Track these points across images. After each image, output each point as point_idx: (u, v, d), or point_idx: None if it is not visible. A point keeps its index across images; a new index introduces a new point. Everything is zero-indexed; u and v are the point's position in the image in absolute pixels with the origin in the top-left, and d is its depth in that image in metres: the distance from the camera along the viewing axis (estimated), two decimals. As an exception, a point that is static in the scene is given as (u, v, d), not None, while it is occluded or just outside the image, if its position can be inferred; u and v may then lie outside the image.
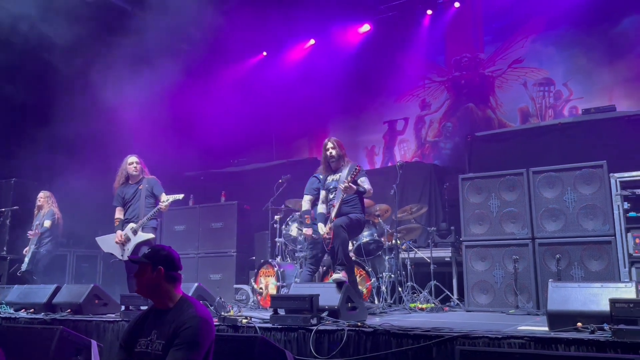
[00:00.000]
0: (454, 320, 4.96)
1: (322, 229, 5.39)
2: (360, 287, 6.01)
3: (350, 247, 6.15)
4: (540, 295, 5.51)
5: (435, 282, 6.47)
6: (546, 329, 3.75)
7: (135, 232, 6.05)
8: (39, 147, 8.45)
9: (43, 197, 7.78)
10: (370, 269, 6.21)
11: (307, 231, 5.67)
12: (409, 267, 6.53)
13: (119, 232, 6.10)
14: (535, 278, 5.64)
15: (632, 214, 5.36)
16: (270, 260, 6.83)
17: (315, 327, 4.07)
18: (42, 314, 5.67)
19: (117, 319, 5.14)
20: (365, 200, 6.15)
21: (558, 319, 3.71)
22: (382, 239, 6.60)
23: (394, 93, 10.62)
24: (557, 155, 6.63)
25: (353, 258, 6.17)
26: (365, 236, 6.54)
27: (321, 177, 5.69)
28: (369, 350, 3.86)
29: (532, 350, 3.26)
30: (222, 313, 4.82)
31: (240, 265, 8.17)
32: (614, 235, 5.37)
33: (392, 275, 6.31)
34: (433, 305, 6.05)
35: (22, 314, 5.78)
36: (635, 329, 3.19)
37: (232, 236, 8.26)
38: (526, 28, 9.29)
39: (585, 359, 2.88)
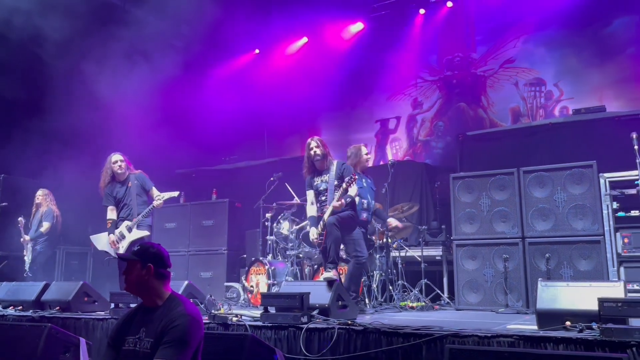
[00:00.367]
0: (444, 318, 4.98)
1: (314, 233, 5.38)
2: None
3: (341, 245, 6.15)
4: (529, 294, 5.55)
5: (425, 280, 6.48)
6: (535, 327, 3.77)
7: (130, 229, 6.03)
8: (28, 143, 8.38)
9: (41, 196, 7.76)
10: (361, 268, 6.21)
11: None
12: (399, 266, 6.55)
13: (111, 235, 6.05)
14: (525, 277, 5.68)
15: (620, 213, 5.41)
16: (261, 258, 6.82)
17: (305, 325, 4.07)
18: (31, 311, 5.63)
19: (107, 317, 5.11)
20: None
21: (547, 318, 3.73)
22: (373, 238, 6.60)
23: (386, 92, 10.63)
24: (548, 155, 6.67)
25: (344, 257, 6.17)
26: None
27: (315, 180, 5.63)
28: (359, 348, 3.86)
29: (521, 349, 3.28)
30: (212, 311, 4.80)
31: (231, 263, 8.14)
32: (603, 234, 5.42)
33: (383, 274, 6.31)
34: (423, 303, 6.07)
35: (10, 311, 5.74)
36: (623, 328, 3.22)
37: (223, 234, 8.22)
38: (518, 28, 9.32)
39: (574, 357, 2.90)
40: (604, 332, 3.24)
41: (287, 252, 6.79)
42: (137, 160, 6.57)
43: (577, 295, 3.76)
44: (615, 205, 5.44)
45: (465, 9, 9.93)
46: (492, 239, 5.94)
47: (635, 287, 5.09)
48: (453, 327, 3.86)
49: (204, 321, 3.71)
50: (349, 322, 4.09)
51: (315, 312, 4.33)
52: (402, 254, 6.80)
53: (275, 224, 7.03)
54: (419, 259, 6.65)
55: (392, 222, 6.30)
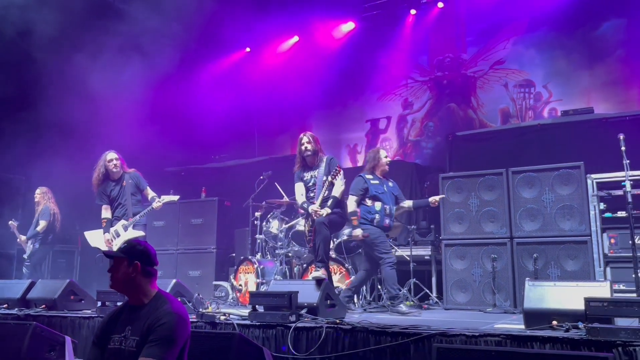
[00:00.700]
0: (432, 318, 4.99)
1: (313, 207, 5.33)
2: (340, 284, 6.02)
3: (331, 244, 6.15)
4: (517, 294, 5.58)
5: (414, 280, 6.50)
6: (522, 327, 3.79)
7: (126, 228, 6.00)
8: (15, 138, 8.28)
9: (39, 194, 7.81)
10: (350, 267, 6.21)
11: (356, 232, 5.47)
12: (388, 265, 6.54)
13: (106, 234, 6.01)
14: (512, 277, 5.71)
15: (607, 214, 5.45)
16: (250, 257, 6.79)
17: (293, 324, 4.07)
18: (16, 309, 5.58)
19: (93, 315, 5.07)
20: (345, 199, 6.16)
21: (534, 317, 3.76)
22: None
23: (377, 92, 10.64)
24: (536, 155, 6.71)
25: (333, 256, 6.17)
26: (345, 234, 6.55)
27: (304, 174, 5.64)
28: (347, 347, 3.86)
29: (508, 348, 3.30)
30: (200, 310, 4.78)
31: (220, 262, 8.10)
32: (590, 235, 5.46)
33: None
34: (412, 303, 6.08)
35: (-5, 309, 5.68)
36: (609, 328, 3.24)
37: (212, 232, 8.18)
38: (508, 30, 9.37)
39: (560, 356, 2.91)
40: (590, 331, 3.26)
41: (276, 251, 6.77)
42: (127, 158, 6.54)
43: (564, 295, 3.79)
44: (602, 206, 5.48)
45: (456, 9, 9.96)
46: (480, 239, 5.97)
47: (621, 287, 5.14)
48: (441, 326, 3.87)
49: (191, 320, 3.70)
50: (337, 321, 4.09)
51: (303, 311, 4.32)
52: (391, 253, 6.80)
53: (264, 223, 7.01)
54: (408, 259, 6.66)
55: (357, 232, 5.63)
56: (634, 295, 4.56)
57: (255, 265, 6.50)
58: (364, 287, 6.17)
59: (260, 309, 4.46)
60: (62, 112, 7.93)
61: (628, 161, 4.73)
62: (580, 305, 3.48)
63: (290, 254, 6.71)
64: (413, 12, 10.19)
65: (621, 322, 3.38)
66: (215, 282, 7.58)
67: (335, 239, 6.49)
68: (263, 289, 6.17)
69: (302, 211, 5.90)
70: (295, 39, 11.29)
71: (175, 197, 6.07)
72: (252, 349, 3.44)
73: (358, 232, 5.47)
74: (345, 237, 6.52)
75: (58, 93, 8.15)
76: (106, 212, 6.11)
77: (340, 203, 5.42)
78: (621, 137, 4.83)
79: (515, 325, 4.00)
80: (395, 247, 6.96)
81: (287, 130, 11.51)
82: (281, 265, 6.62)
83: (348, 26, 10.75)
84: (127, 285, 2.70)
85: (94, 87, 7.87)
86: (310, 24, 10.72)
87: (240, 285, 6.61)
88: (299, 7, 10.36)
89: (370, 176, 5.70)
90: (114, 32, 8.04)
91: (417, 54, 10.34)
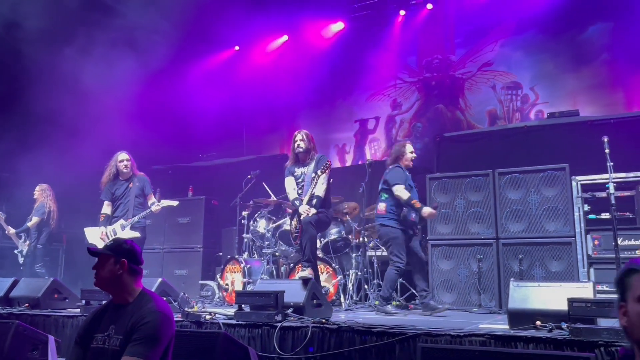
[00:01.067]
0: (418, 318, 5.01)
1: (303, 207, 5.31)
2: (327, 284, 6.02)
3: (318, 244, 6.15)
4: (502, 294, 5.62)
5: (401, 280, 6.51)
6: (507, 327, 3.82)
7: (123, 228, 6.05)
8: (2, 134, 8.18)
9: (38, 191, 7.86)
10: (337, 266, 6.22)
11: (426, 210, 5.24)
12: (375, 265, 6.57)
13: (102, 229, 6.05)
14: (498, 277, 5.76)
15: (591, 216, 5.52)
16: (237, 256, 6.77)
17: (279, 324, 4.06)
18: (-2, 307, 5.51)
19: (77, 314, 5.02)
20: (333, 198, 6.19)
21: (518, 318, 3.79)
22: (350, 237, 6.63)
23: (366, 92, 10.66)
24: (523, 157, 6.75)
25: (320, 255, 6.17)
26: (333, 233, 6.56)
27: (295, 169, 5.64)
28: (332, 346, 3.86)
29: (492, 348, 3.32)
30: (186, 309, 4.76)
31: (206, 261, 8.06)
32: (574, 236, 5.52)
33: (359, 273, 6.34)
34: (398, 303, 6.10)
35: (-23, 308, 5.60)
36: (591, 328, 3.28)
37: (199, 231, 8.14)
38: (496, 32, 9.44)
39: (543, 356, 2.94)
40: (572, 331, 3.30)
41: (263, 251, 6.76)
42: (113, 154, 6.51)
43: (548, 296, 3.82)
44: (586, 207, 5.54)
45: (444, 11, 10.00)
46: (466, 240, 6.01)
47: (605, 288, 5.20)
48: (426, 326, 3.89)
49: (176, 319, 3.67)
50: (323, 320, 4.09)
51: (289, 311, 4.32)
52: (379, 253, 6.82)
53: (251, 222, 6.99)
54: (395, 259, 6.67)
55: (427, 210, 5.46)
56: (617, 296, 4.60)
57: (242, 265, 6.48)
58: (351, 287, 6.18)
59: (247, 308, 4.45)
60: (50, 107, 7.87)
61: (612, 163, 4.79)
62: (563, 306, 3.52)
63: (277, 254, 6.71)
64: (402, 13, 10.22)
65: (604, 322, 3.41)
66: (201, 282, 7.55)
67: (322, 239, 6.50)
68: (250, 288, 6.15)
69: (289, 210, 5.89)
70: (285, 38, 11.28)
71: (175, 202, 6.20)
72: (237, 349, 3.43)
73: (427, 209, 5.28)
74: (332, 237, 6.53)
75: (46, 88, 8.07)
76: (106, 208, 6.22)
77: (325, 202, 5.43)
78: (605, 139, 4.89)
79: (499, 325, 4.03)
80: (383, 247, 6.97)
81: (276, 130, 11.49)
82: (268, 264, 6.61)
83: (337, 26, 10.74)
84: (113, 283, 2.68)
85: (82, 82, 7.80)
86: (300, 23, 10.71)
87: (227, 284, 6.59)
88: (288, 7, 10.34)
89: (402, 168, 5.55)
90: (104, 27, 7.99)
91: (406, 54, 10.37)
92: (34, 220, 7.62)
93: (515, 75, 9.28)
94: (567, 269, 5.49)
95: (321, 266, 6.09)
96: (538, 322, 3.66)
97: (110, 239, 5.90)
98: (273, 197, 6.86)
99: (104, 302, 2.91)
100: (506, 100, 9.34)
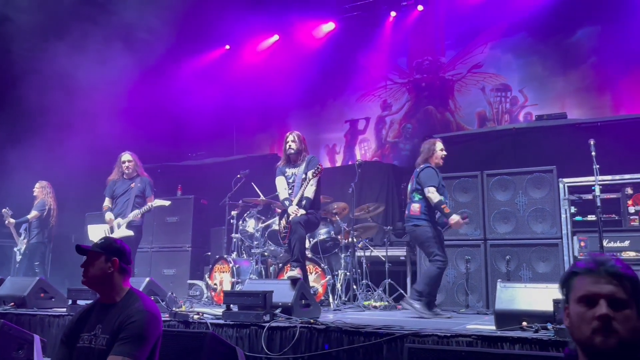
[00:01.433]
0: (406, 318, 5.02)
1: (292, 208, 5.32)
2: (315, 284, 6.02)
3: (307, 244, 6.15)
4: (490, 295, 5.66)
5: (389, 280, 6.54)
6: (493, 327, 3.85)
7: (119, 226, 6.12)
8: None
9: (38, 188, 7.82)
10: (326, 267, 6.22)
11: (454, 218, 5.00)
12: (364, 265, 6.58)
13: (108, 213, 6.23)
14: (485, 278, 5.79)
15: (578, 218, 5.58)
16: (225, 256, 6.75)
17: (267, 324, 4.06)
18: (-17, 307, 5.45)
19: (63, 313, 4.98)
20: (323, 198, 6.19)
21: (505, 318, 3.81)
22: (339, 237, 6.63)
23: (357, 92, 10.68)
24: (511, 159, 6.81)
25: (309, 255, 6.17)
26: (322, 234, 6.56)
27: (286, 170, 5.64)
28: (320, 347, 3.87)
29: (479, 349, 3.34)
30: (174, 308, 4.74)
31: (195, 261, 8.03)
32: (561, 238, 5.58)
33: (348, 273, 6.35)
34: (387, 303, 6.12)
35: (-38, 306, 5.54)
36: (576, 329, 3.30)
37: (188, 231, 8.10)
38: (486, 34, 9.50)
39: (529, 357, 2.96)
40: (558, 332, 3.33)
41: (252, 251, 6.75)
42: (102, 152, 6.51)
43: (534, 297, 3.85)
44: (573, 209, 5.60)
45: (435, 13, 10.05)
46: (454, 240, 6.04)
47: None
48: (414, 326, 3.91)
49: (164, 319, 3.66)
50: (312, 320, 4.09)
51: (277, 311, 4.31)
52: (367, 253, 6.84)
53: (240, 222, 6.97)
54: (384, 259, 6.71)
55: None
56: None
57: (231, 265, 6.47)
58: (340, 287, 6.19)
59: (235, 308, 4.44)
60: (38, 102, 7.82)
61: (598, 166, 4.84)
62: (549, 307, 3.55)
63: (266, 254, 6.70)
64: (393, 14, 10.25)
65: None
66: (190, 281, 7.52)
67: (311, 239, 6.50)
68: (238, 288, 6.14)
69: (278, 210, 5.89)
70: (276, 37, 11.27)
71: (167, 202, 6.28)
72: (224, 349, 3.42)
73: (455, 217, 5.02)
74: (321, 237, 6.54)
75: (35, 83, 8.01)
76: (108, 202, 6.40)
77: (314, 204, 5.43)
78: (592, 142, 4.94)
79: (486, 326, 4.06)
80: (371, 248, 7.00)
81: (266, 129, 11.48)
82: (257, 264, 6.60)
83: (328, 26, 10.76)
84: (102, 281, 2.66)
85: (72, 78, 7.76)
86: (291, 23, 10.70)
87: (215, 284, 6.57)
88: (279, 6, 10.33)
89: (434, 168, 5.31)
90: (95, 24, 7.93)
91: (396, 56, 10.41)
92: (33, 213, 7.60)
93: (504, 78, 9.35)
94: (554, 270, 5.54)
95: (310, 266, 6.09)
96: (524, 323, 3.69)
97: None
98: (262, 197, 6.85)
99: (90, 302, 2.89)
100: (495, 102, 9.41)
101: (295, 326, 3.97)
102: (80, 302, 5.05)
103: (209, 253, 8.05)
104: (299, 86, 10.58)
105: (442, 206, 5.05)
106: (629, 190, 5.46)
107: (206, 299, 6.75)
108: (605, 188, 5.35)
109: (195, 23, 10.00)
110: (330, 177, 7.55)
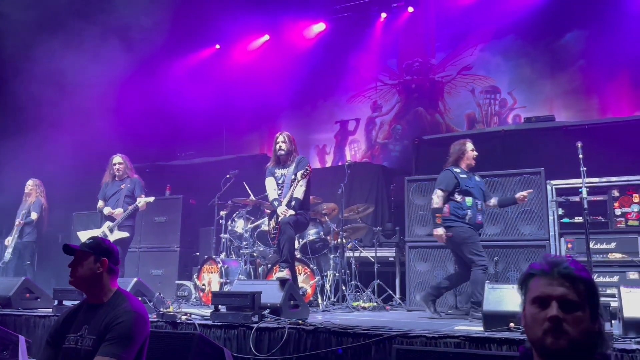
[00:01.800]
0: (395, 319, 5.04)
1: (281, 208, 5.30)
2: (304, 285, 6.02)
3: (296, 245, 6.14)
4: (478, 296, 5.67)
5: (378, 281, 6.55)
6: (481, 329, 3.86)
7: (112, 230, 6.17)
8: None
9: (32, 185, 7.69)
10: (315, 267, 6.22)
11: (438, 231, 5.03)
12: (353, 266, 6.59)
13: (106, 208, 6.31)
14: (474, 279, 5.80)
15: (565, 219, 5.63)
16: (214, 256, 6.72)
17: (256, 325, 4.04)
18: (-33, 307, 5.37)
19: (49, 314, 4.93)
20: (313, 199, 6.19)
21: (493, 320, 3.83)
22: (328, 238, 6.63)
23: (347, 93, 10.69)
24: (500, 161, 6.85)
25: (298, 256, 6.16)
26: (311, 234, 6.56)
27: (276, 170, 5.62)
28: (309, 348, 3.86)
29: (466, 350, 3.36)
30: (161, 309, 4.71)
31: (183, 261, 7.97)
32: (548, 239, 5.62)
33: (337, 274, 6.35)
34: (375, 304, 6.13)
35: (-55, 307, 5.46)
36: (563, 330, 3.32)
37: (176, 231, 8.04)
38: (476, 36, 9.55)
39: (516, 358, 2.98)
40: (545, 333, 3.34)
41: (241, 251, 6.72)
42: (90, 151, 6.47)
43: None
44: (560, 211, 5.65)
45: (425, 15, 10.08)
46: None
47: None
48: (402, 327, 3.92)
49: (152, 319, 3.63)
50: (300, 321, 4.09)
51: (266, 312, 4.30)
52: (356, 254, 6.85)
53: (229, 222, 6.95)
54: (373, 260, 6.71)
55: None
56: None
57: (219, 265, 6.44)
58: (329, 288, 6.19)
59: (223, 309, 4.42)
60: (28, 99, 7.74)
61: (585, 168, 4.87)
62: (536, 308, 3.56)
63: (255, 254, 6.68)
64: (384, 15, 10.27)
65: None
66: (178, 282, 7.47)
67: (300, 240, 6.49)
68: (227, 289, 6.11)
69: (267, 210, 5.88)
70: (266, 37, 11.25)
71: (151, 199, 6.37)
72: (212, 350, 3.40)
73: (440, 231, 5.01)
74: (311, 238, 6.53)
75: (21, 80, 7.92)
76: (101, 204, 6.52)
77: (304, 204, 5.43)
78: (579, 144, 4.97)
79: (474, 327, 4.07)
80: (361, 248, 7.01)
81: (256, 130, 11.44)
82: (246, 265, 6.57)
83: (319, 27, 10.75)
84: (91, 281, 2.63)
85: (61, 76, 7.69)
86: (281, 23, 10.69)
87: (204, 284, 6.54)
88: (269, 6, 10.31)
89: (457, 169, 5.22)
90: (86, 22, 7.88)
91: (386, 57, 10.43)
92: (34, 215, 7.49)
93: (494, 80, 9.41)
94: (541, 271, 5.56)
95: (299, 267, 6.09)
96: (512, 324, 3.71)
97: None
98: (252, 197, 6.82)
99: (77, 302, 2.86)
100: (485, 104, 9.46)
101: (284, 327, 3.96)
102: (67, 303, 4.99)
103: (198, 253, 8.01)
104: (290, 86, 10.57)
105: (436, 215, 5.09)
106: (616, 193, 5.52)
107: (194, 300, 6.71)
108: (593, 190, 5.40)
109: (186, 22, 9.96)
110: (320, 178, 7.53)
